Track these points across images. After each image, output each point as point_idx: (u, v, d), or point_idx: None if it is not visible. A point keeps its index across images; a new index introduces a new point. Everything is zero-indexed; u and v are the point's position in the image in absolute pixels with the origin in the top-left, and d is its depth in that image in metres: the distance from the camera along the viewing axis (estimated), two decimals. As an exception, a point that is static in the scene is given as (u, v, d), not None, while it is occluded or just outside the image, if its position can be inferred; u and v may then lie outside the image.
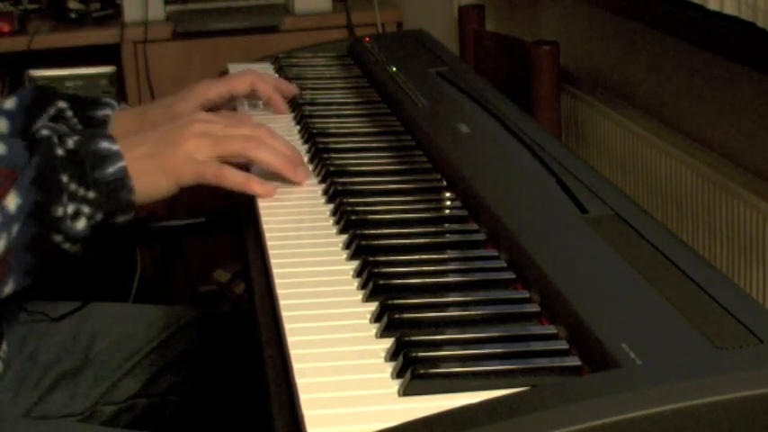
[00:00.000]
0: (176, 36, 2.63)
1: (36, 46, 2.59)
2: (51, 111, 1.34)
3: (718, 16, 1.32)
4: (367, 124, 1.39)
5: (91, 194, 1.06)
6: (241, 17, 2.69)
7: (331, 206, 1.12)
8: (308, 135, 1.34)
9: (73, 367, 1.35)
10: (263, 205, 1.14)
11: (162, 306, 1.47)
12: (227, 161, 1.15)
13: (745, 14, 1.26)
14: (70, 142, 1.08)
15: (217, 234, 2.15)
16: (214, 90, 1.40)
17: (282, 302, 0.91)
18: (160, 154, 1.11)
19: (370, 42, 1.72)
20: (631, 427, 0.67)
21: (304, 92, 1.51)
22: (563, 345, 0.81)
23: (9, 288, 1.05)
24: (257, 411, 1.09)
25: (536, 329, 0.85)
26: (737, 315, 0.79)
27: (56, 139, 1.07)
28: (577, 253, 0.91)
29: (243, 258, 1.08)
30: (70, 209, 1.05)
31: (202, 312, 1.48)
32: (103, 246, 1.14)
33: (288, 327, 0.87)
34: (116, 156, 1.08)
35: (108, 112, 1.34)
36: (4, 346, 1.29)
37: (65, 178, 1.05)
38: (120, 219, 1.10)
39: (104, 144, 1.09)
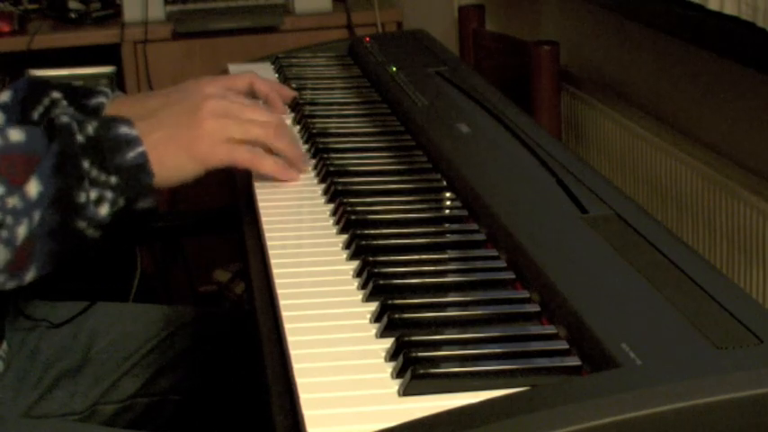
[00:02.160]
0: (176, 36, 2.63)
1: (36, 46, 2.59)
2: (46, 101, 1.34)
3: (718, 16, 1.32)
4: (367, 124, 1.39)
5: (113, 180, 1.06)
6: (241, 17, 2.69)
7: (331, 206, 1.12)
8: (308, 135, 1.34)
9: (73, 366, 1.35)
10: (262, 205, 1.14)
11: (162, 306, 1.47)
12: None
13: (745, 14, 1.26)
14: (90, 128, 1.07)
15: (217, 234, 2.15)
16: (213, 85, 1.40)
17: (282, 302, 0.91)
18: (181, 136, 1.11)
19: (370, 42, 1.72)
20: (631, 427, 0.67)
21: (304, 92, 1.51)
22: (563, 345, 0.81)
23: (31, 275, 1.05)
24: (257, 411, 1.09)
25: (536, 329, 0.85)
26: (737, 315, 0.79)
27: (75, 126, 1.07)
28: (577, 253, 0.91)
29: (243, 258, 1.08)
30: (93, 194, 1.05)
31: (202, 312, 1.48)
32: (105, 245, 1.14)
33: (288, 327, 0.87)
34: (135, 141, 1.08)
35: (102, 99, 1.35)
36: (5, 346, 1.29)
37: (86, 164, 1.05)
38: (142, 204, 1.09)
39: (123, 129, 1.08)
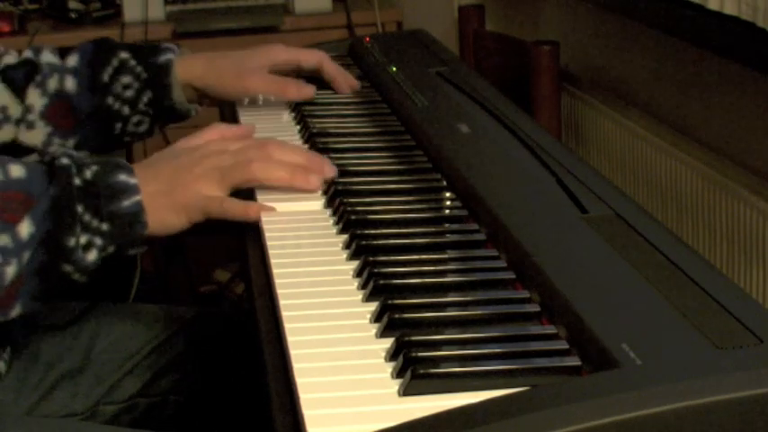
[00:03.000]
0: (176, 36, 2.63)
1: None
2: (115, 62, 1.36)
3: (718, 16, 1.32)
4: (367, 124, 1.39)
5: (105, 227, 1.05)
6: (241, 17, 2.69)
7: (331, 206, 1.12)
8: (308, 135, 1.34)
9: (74, 367, 1.35)
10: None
11: (162, 306, 1.47)
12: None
13: (746, 14, 1.26)
14: (88, 173, 1.06)
15: (217, 234, 2.14)
16: (285, 55, 1.43)
17: (282, 302, 0.91)
18: (172, 192, 1.10)
19: (370, 42, 1.72)
20: (631, 427, 0.67)
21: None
22: (563, 345, 0.81)
23: (15, 312, 1.04)
24: (257, 411, 1.09)
25: (536, 329, 0.85)
26: (737, 315, 0.79)
27: (74, 169, 1.06)
28: (577, 253, 0.91)
29: (243, 258, 1.08)
30: (83, 239, 1.04)
31: (202, 312, 1.48)
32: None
33: (288, 327, 0.87)
34: (133, 189, 1.07)
35: (170, 56, 1.37)
36: (7, 347, 1.29)
37: (80, 209, 1.04)
38: (132, 252, 1.09)
39: (122, 177, 1.07)
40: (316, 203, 1.14)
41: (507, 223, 0.98)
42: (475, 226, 1.04)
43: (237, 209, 1.11)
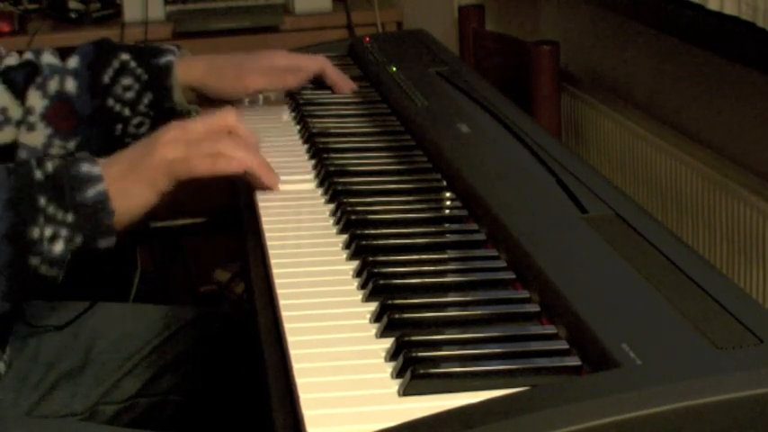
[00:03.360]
0: (176, 36, 2.63)
1: (36, 46, 2.58)
2: (116, 64, 1.36)
3: (718, 16, 1.32)
4: (367, 124, 1.39)
5: (69, 217, 1.04)
6: (241, 17, 2.69)
7: (331, 206, 1.12)
8: (308, 135, 1.34)
9: (73, 367, 1.35)
10: (262, 205, 1.14)
11: (162, 306, 1.47)
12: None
13: (746, 14, 1.26)
14: (49, 166, 1.06)
15: (217, 234, 2.15)
16: (286, 61, 1.43)
17: (282, 302, 0.91)
18: (136, 166, 1.09)
19: (370, 42, 1.72)
20: (631, 427, 0.67)
21: (304, 92, 1.51)
22: (563, 345, 0.81)
23: None
24: (257, 411, 1.09)
25: (536, 329, 0.85)
26: (737, 315, 0.79)
27: (34, 162, 1.06)
28: (577, 253, 0.91)
29: (243, 258, 1.08)
30: (47, 231, 1.03)
31: (202, 312, 1.48)
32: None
33: (288, 327, 0.87)
34: (96, 178, 1.06)
35: (171, 58, 1.37)
36: (7, 347, 1.29)
37: (42, 201, 1.03)
38: (102, 243, 1.07)
39: (85, 167, 1.07)
40: (316, 203, 1.14)
41: (507, 223, 0.98)
42: (475, 226, 1.04)
43: (205, 164, 1.10)
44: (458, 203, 1.11)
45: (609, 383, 0.71)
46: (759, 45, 1.24)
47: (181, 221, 2.18)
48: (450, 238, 1.03)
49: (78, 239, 1.05)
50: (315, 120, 1.39)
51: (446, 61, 1.58)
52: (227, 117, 1.15)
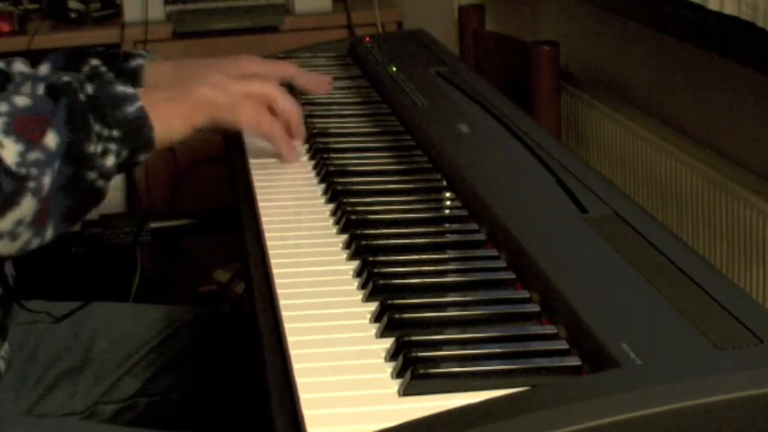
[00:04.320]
0: (176, 36, 2.63)
1: (36, 46, 2.59)
2: (86, 69, 1.37)
3: (718, 16, 1.32)
4: (367, 124, 1.39)
5: (115, 133, 1.10)
6: (241, 17, 2.69)
7: (331, 206, 1.12)
8: (308, 135, 1.34)
9: (73, 366, 1.35)
10: (262, 205, 1.14)
11: (162, 306, 1.47)
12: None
13: (746, 14, 1.26)
14: (89, 87, 1.12)
15: (217, 234, 2.14)
16: (253, 68, 1.42)
17: (282, 302, 0.91)
18: (175, 98, 1.17)
19: (370, 42, 1.72)
20: (631, 427, 0.67)
21: (304, 92, 1.51)
22: (563, 345, 0.81)
23: (50, 233, 1.08)
24: (257, 411, 1.09)
25: (536, 329, 0.85)
26: (737, 315, 0.79)
27: (77, 84, 1.11)
28: (577, 253, 0.91)
29: (243, 258, 1.08)
30: (99, 147, 1.09)
31: (202, 312, 1.48)
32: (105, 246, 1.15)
33: (288, 327, 0.87)
34: (133, 97, 1.13)
35: (140, 61, 1.38)
36: (5, 345, 1.29)
37: (91, 119, 1.09)
38: (142, 157, 1.14)
39: (119, 87, 1.14)
40: (316, 203, 1.14)
41: (507, 223, 0.98)
42: (475, 226, 1.04)
43: (250, 114, 1.20)
44: (458, 203, 1.11)
45: (609, 383, 0.71)
46: (759, 45, 1.24)
47: (181, 221, 2.17)
48: (450, 238, 1.03)
49: (125, 153, 1.12)
50: (315, 120, 1.39)
51: (446, 61, 1.58)
52: (267, 87, 1.25)
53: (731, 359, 0.73)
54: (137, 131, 1.12)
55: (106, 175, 1.10)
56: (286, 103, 1.24)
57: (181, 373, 1.38)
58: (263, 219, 1.10)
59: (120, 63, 1.38)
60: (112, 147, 1.10)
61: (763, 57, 1.24)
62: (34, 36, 2.60)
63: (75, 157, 1.07)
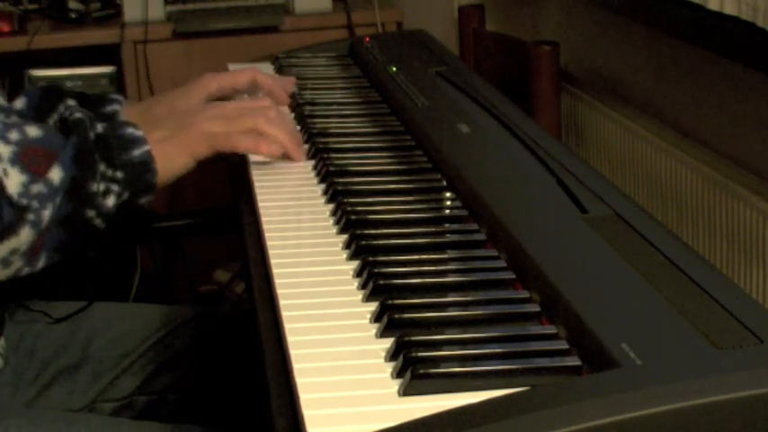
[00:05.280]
0: (176, 36, 2.63)
1: (36, 46, 2.58)
2: (61, 108, 1.35)
3: (718, 16, 1.32)
4: (367, 124, 1.39)
5: (119, 174, 1.12)
6: (241, 17, 2.69)
7: (331, 206, 1.12)
8: (308, 135, 1.34)
9: (71, 364, 1.35)
10: (262, 205, 1.14)
11: (161, 305, 1.47)
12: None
13: (746, 14, 1.26)
14: (99, 127, 1.14)
15: (217, 234, 2.14)
16: (216, 82, 1.42)
17: (282, 302, 0.91)
18: (177, 134, 1.20)
19: (370, 42, 1.72)
20: (631, 427, 0.67)
21: (304, 92, 1.51)
22: (563, 345, 0.81)
23: (41, 263, 1.09)
24: (257, 411, 1.09)
25: (536, 329, 0.85)
26: (737, 315, 0.79)
27: (89, 122, 1.13)
28: (577, 253, 0.91)
29: (243, 258, 1.08)
30: (102, 187, 1.10)
31: (202, 312, 1.48)
32: (105, 245, 1.16)
33: (288, 327, 0.87)
34: (140, 140, 1.15)
35: (116, 107, 1.36)
36: (3, 342, 1.29)
37: (97, 158, 1.10)
38: (143, 199, 1.16)
39: (129, 130, 1.15)
40: (316, 203, 1.14)
41: (507, 223, 0.98)
42: (475, 226, 1.04)
43: (247, 142, 1.23)
44: (458, 203, 1.11)
45: (609, 383, 0.71)
46: (759, 45, 1.24)
47: (181, 221, 2.17)
48: (450, 238, 1.03)
49: (126, 195, 1.13)
50: (315, 120, 1.39)
51: (446, 61, 1.58)
52: (261, 100, 1.30)
53: (731, 359, 0.73)
54: (141, 175, 1.14)
55: (105, 215, 1.11)
56: (277, 134, 1.25)
57: (179, 372, 1.38)
58: (263, 219, 1.10)
59: (97, 107, 1.35)
60: (115, 188, 1.12)
61: (763, 57, 1.24)
62: (34, 36, 2.60)
63: (77, 194, 1.08)
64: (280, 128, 1.25)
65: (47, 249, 1.08)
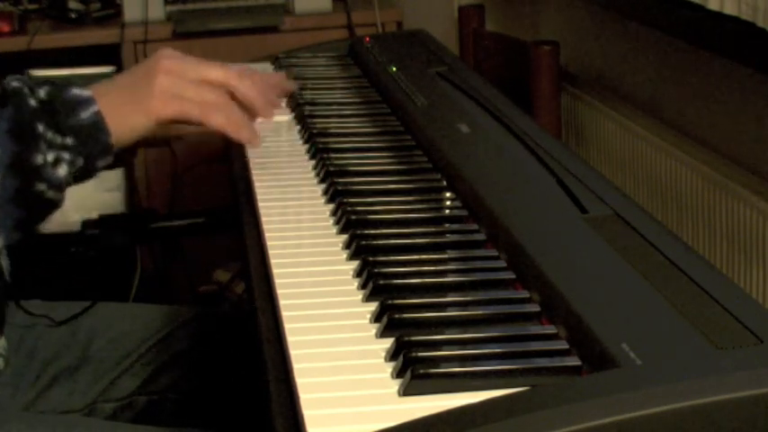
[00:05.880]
0: (176, 36, 2.63)
1: (36, 46, 2.59)
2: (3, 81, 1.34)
3: (718, 16, 1.32)
4: (367, 124, 1.39)
5: (69, 141, 1.06)
6: (241, 17, 2.69)
7: (331, 206, 1.12)
8: (309, 135, 1.34)
9: (71, 364, 1.35)
10: (262, 205, 1.14)
11: (161, 306, 1.47)
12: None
13: (746, 14, 1.26)
14: (41, 92, 1.08)
15: (217, 234, 2.14)
16: (175, 62, 1.38)
17: (282, 302, 0.91)
18: (133, 93, 1.12)
19: (370, 42, 1.72)
20: (631, 427, 0.67)
21: (304, 92, 1.51)
22: (563, 345, 0.81)
23: (1, 243, 1.05)
24: (257, 411, 1.09)
25: (536, 329, 0.85)
26: (737, 315, 0.79)
27: (27, 90, 1.07)
28: (577, 253, 0.91)
29: (243, 258, 1.08)
30: (50, 156, 1.05)
31: (202, 312, 1.48)
32: (105, 245, 1.15)
33: (288, 327, 0.87)
34: (88, 101, 1.09)
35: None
36: (3, 343, 1.29)
37: (40, 127, 1.05)
38: (101, 163, 1.10)
39: (74, 91, 1.09)
40: (316, 203, 1.14)
41: (507, 223, 0.98)
42: (475, 226, 1.04)
43: (220, 120, 1.14)
44: (458, 203, 1.11)
45: (609, 383, 0.71)
46: (759, 45, 1.24)
47: (181, 221, 2.17)
48: (450, 238, 1.03)
49: (80, 161, 1.08)
50: (315, 120, 1.39)
51: (446, 61, 1.58)
52: (227, 74, 1.20)
53: (731, 359, 0.73)
54: (92, 137, 1.08)
55: (58, 186, 1.06)
56: (247, 92, 1.19)
57: (180, 372, 1.38)
58: (263, 219, 1.10)
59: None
60: (66, 155, 1.06)
61: (763, 57, 1.24)
62: (34, 36, 2.60)
63: (20, 169, 1.03)
64: (232, 111, 1.17)
65: (4, 228, 1.04)
